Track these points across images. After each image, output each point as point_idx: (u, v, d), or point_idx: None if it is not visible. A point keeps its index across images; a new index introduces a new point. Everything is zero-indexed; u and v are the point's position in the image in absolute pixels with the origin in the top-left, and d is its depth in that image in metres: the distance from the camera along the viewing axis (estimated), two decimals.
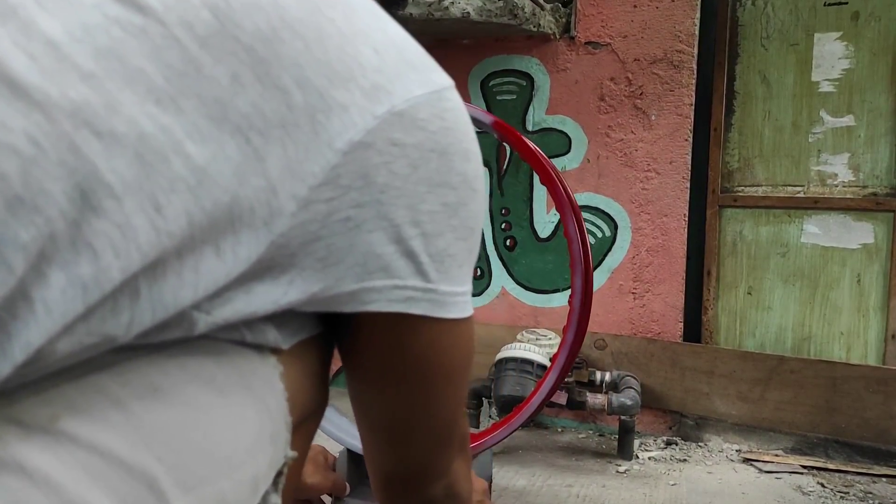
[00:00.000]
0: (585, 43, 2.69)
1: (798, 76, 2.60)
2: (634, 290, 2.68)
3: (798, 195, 2.62)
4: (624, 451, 2.41)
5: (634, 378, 2.51)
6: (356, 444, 1.99)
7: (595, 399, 2.37)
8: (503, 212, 2.84)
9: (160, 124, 0.37)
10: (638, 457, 2.43)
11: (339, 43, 0.44)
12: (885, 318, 2.53)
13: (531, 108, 2.77)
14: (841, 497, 2.11)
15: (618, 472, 2.30)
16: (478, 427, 2.55)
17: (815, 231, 2.60)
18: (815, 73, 2.58)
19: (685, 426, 2.61)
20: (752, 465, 2.37)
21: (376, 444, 0.60)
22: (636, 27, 2.62)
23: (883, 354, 2.53)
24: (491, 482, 1.96)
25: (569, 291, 1.65)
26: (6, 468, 0.33)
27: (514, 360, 2.38)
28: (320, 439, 2.65)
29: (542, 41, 2.73)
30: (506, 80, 2.80)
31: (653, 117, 2.62)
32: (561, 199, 1.66)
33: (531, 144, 1.72)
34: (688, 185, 2.61)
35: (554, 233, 2.77)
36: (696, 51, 2.58)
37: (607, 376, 2.53)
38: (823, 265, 2.60)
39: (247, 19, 0.41)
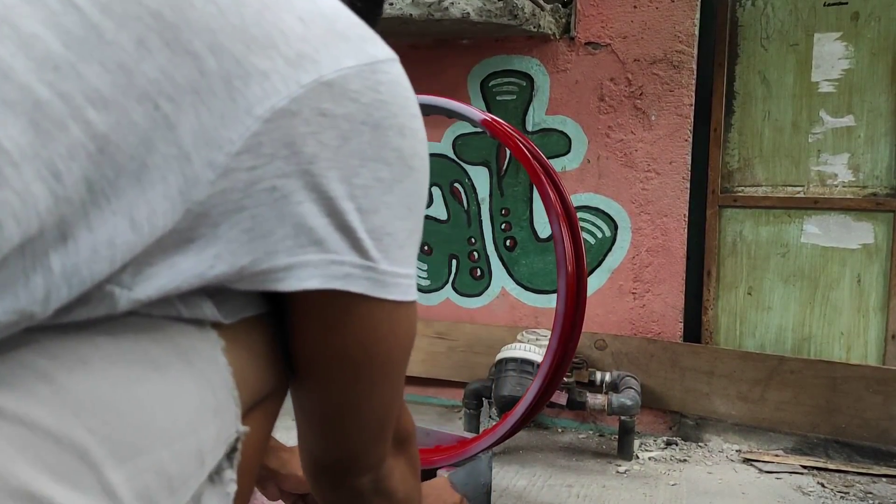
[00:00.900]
0: (585, 43, 2.69)
1: (798, 76, 2.60)
2: (634, 291, 2.68)
3: (798, 195, 2.62)
4: (624, 451, 2.41)
5: (634, 378, 2.51)
6: None
7: (595, 399, 2.37)
8: (503, 212, 2.84)
9: (58, 91, 0.36)
10: (638, 457, 2.43)
11: (258, 9, 0.43)
12: (885, 318, 2.53)
13: (531, 108, 2.77)
14: (841, 497, 2.11)
15: (618, 472, 2.30)
16: (478, 430, 2.55)
17: (815, 231, 2.60)
18: (815, 74, 2.58)
19: (685, 426, 2.61)
20: (752, 465, 2.37)
21: (308, 430, 0.59)
22: (636, 27, 2.62)
23: (883, 354, 2.53)
24: (490, 486, 1.96)
25: None
26: None
27: (514, 360, 2.38)
28: None
29: (542, 41, 2.73)
30: (506, 80, 2.80)
31: (653, 117, 2.62)
32: (547, 197, 1.66)
33: (521, 142, 1.72)
34: (688, 185, 2.61)
35: None
36: (695, 51, 2.58)
37: (607, 376, 2.53)
38: (823, 265, 2.60)
39: None
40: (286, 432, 2.70)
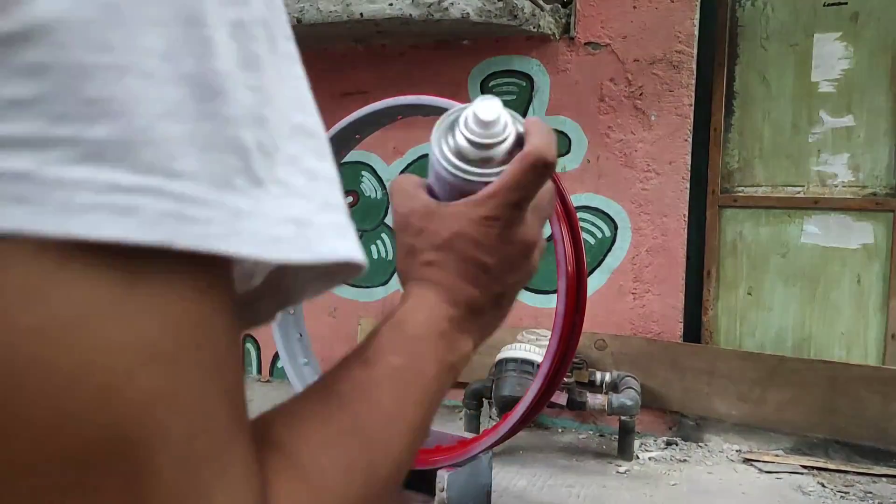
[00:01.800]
0: (585, 44, 2.69)
1: (797, 76, 2.60)
2: (634, 291, 2.68)
3: (798, 195, 2.62)
4: (624, 451, 2.41)
5: (634, 378, 2.51)
6: None
7: (595, 399, 2.38)
8: None
9: None
10: (638, 457, 2.43)
11: None
12: (885, 318, 2.53)
13: (531, 108, 2.77)
14: (841, 497, 2.11)
15: (618, 472, 2.30)
16: (478, 430, 2.55)
17: (815, 231, 2.60)
18: (815, 74, 2.58)
19: (685, 426, 2.61)
20: (752, 465, 2.37)
21: None
22: (636, 28, 2.62)
23: (883, 354, 2.53)
24: (490, 486, 1.96)
25: None
26: None
27: (515, 360, 2.38)
28: None
29: (542, 42, 2.73)
30: (506, 80, 2.80)
31: (652, 118, 2.62)
32: None
33: None
34: (687, 185, 2.61)
35: None
36: (695, 51, 2.58)
37: (607, 377, 2.53)
38: (823, 265, 2.60)
39: None
40: None
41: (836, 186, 2.58)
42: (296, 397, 0.36)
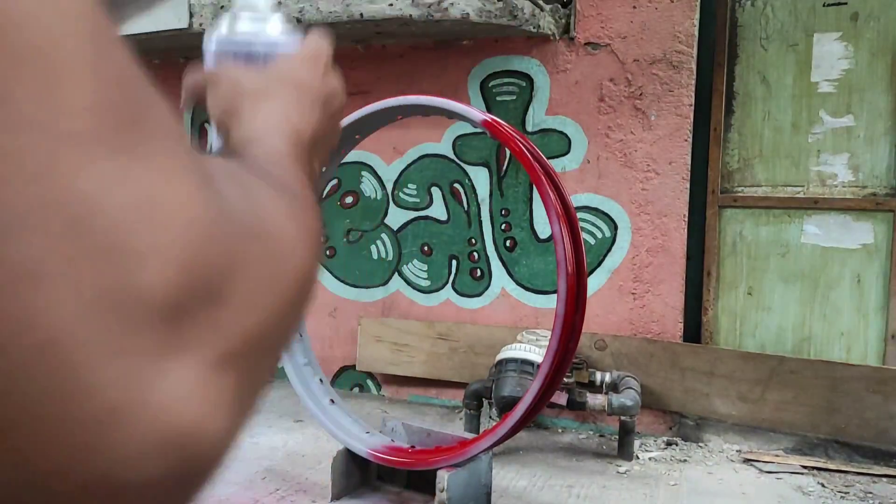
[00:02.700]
0: (585, 44, 2.69)
1: (797, 76, 2.60)
2: (634, 291, 2.68)
3: (798, 195, 2.62)
4: (624, 451, 2.41)
5: (634, 378, 2.51)
6: (356, 444, 1.99)
7: (595, 400, 2.37)
8: (503, 212, 2.84)
9: None
10: (638, 457, 2.43)
11: None
12: (885, 318, 2.53)
13: (531, 108, 2.77)
14: (841, 497, 2.11)
15: (618, 472, 2.30)
16: (478, 430, 2.55)
17: (815, 231, 2.60)
18: (815, 74, 2.58)
19: (685, 426, 2.61)
20: (752, 465, 2.37)
21: None
22: (635, 28, 2.62)
23: (883, 354, 2.53)
24: (490, 486, 1.96)
25: None
26: None
27: (515, 360, 2.38)
28: (321, 440, 2.65)
29: (542, 42, 2.73)
30: (506, 80, 2.80)
31: (652, 118, 2.62)
32: (547, 198, 1.66)
33: (521, 143, 1.72)
34: (687, 185, 2.61)
35: None
36: (695, 51, 2.58)
37: (607, 377, 2.53)
38: (823, 265, 2.60)
39: None
40: (285, 433, 2.68)
41: (836, 186, 2.58)
42: None
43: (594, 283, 2.70)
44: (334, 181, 3.11)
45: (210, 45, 0.53)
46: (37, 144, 0.19)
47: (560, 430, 2.73)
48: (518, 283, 2.83)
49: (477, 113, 1.73)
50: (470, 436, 1.92)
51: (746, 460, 2.40)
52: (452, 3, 2.45)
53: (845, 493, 2.14)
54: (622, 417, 2.37)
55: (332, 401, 2.10)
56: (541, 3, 2.63)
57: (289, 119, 0.45)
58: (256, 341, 0.25)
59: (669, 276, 2.63)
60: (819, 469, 2.32)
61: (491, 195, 2.85)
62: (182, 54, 3.30)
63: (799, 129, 2.61)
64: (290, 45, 0.52)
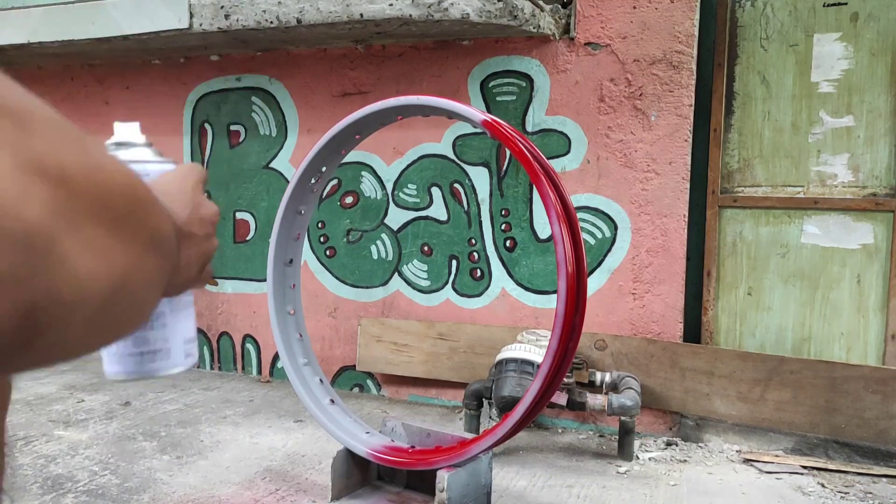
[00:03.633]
0: (585, 44, 2.69)
1: (797, 77, 2.61)
2: (634, 291, 2.68)
3: (798, 195, 2.62)
4: (624, 451, 2.41)
5: (634, 378, 2.51)
6: (356, 444, 1.99)
7: (595, 400, 2.38)
8: (503, 213, 2.84)
9: None
10: (638, 457, 2.43)
11: None
12: (884, 318, 2.53)
13: (531, 108, 2.77)
14: (841, 497, 2.11)
15: (618, 472, 2.30)
16: (478, 430, 2.55)
17: (815, 231, 2.60)
18: (815, 74, 2.58)
19: (685, 427, 2.61)
20: (752, 465, 2.37)
21: None
22: (635, 28, 2.62)
23: (883, 354, 2.54)
24: (490, 486, 1.96)
25: None
26: None
27: (515, 360, 2.38)
28: (321, 440, 2.65)
29: (542, 42, 2.73)
30: (506, 80, 2.81)
31: (652, 118, 2.62)
32: (547, 198, 1.66)
33: (521, 143, 1.72)
34: (687, 185, 2.61)
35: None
36: (695, 51, 2.58)
37: (607, 377, 2.54)
38: (823, 265, 2.60)
39: None
40: (285, 433, 2.68)
41: (836, 186, 2.58)
42: None
43: (594, 283, 2.70)
44: (334, 181, 3.11)
45: None
46: None
47: (560, 430, 2.73)
48: (518, 283, 2.83)
49: (477, 113, 1.73)
50: (470, 436, 1.92)
51: (746, 460, 2.41)
52: (452, 3, 2.45)
53: (845, 493, 2.14)
54: (622, 417, 2.37)
55: (332, 401, 2.10)
56: (541, 3, 2.63)
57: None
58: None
59: (669, 276, 2.63)
60: (819, 469, 2.32)
61: (491, 195, 2.85)
62: (182, 54, 3.30)
63: (799, 130, 2.62)
64: (158, 170, 0.64)
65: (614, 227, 2.69)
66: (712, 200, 2.71)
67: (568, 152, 2.73)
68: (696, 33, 2.58)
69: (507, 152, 2.82)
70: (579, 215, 2.70)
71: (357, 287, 3.11)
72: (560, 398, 2.36)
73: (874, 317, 2.55)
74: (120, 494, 2.04)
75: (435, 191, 2.94)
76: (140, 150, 0.66)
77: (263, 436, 2.55)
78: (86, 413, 2.77)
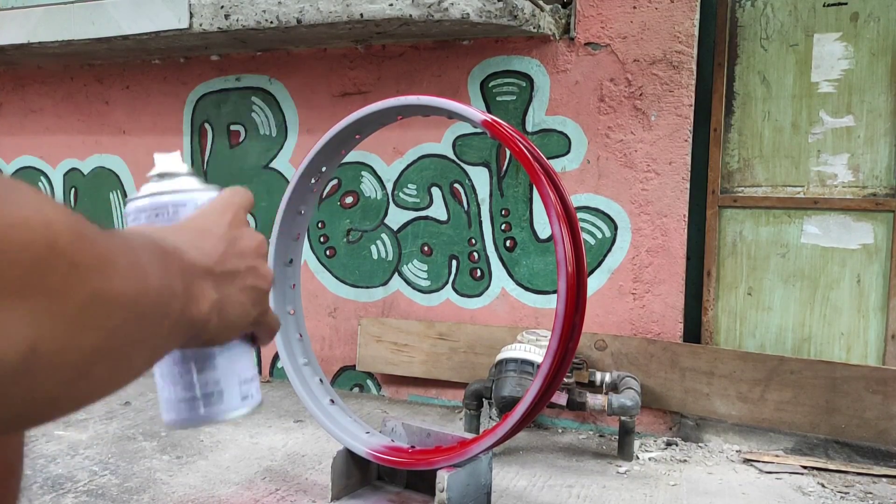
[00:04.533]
0: (585, 44, 2.69)
1: (798, 77, 2.61)
2: (634, 291, 2.68)
3: (798, 195, 2.62)
4: (624, 451, 2.41)
5: (634, 378, 2.51)
6: (356, 444, 1.99)
7: (595, 400, 2.38)
8: (503, 213, 2.84)
9: None
10: (638, 457, 2.43)
11: None
12: (884, 318, 2.53)
13: (531, 108, 2.77)
14: (841, 497, 2.11)
15: (618, 472, 2.30)
16: (478, 430, 2.55)
17: (815, 231, 2.60)
18: (815, 74, 2.58)
19: (685, 427, 2.61)
20: (752, 465, 2.37)
21: None
22: (636, 28, 2.62)
23: (883, 354, 2.54)
24: (490, 486, 1.96)
25: None
26: None
27: (515, 360, 2.38)
28: (321, 440, 2.65)
29: (542, 42, 2.73)
30: (506, 80, 2.81)
31: (652, 118, 2.62)
32: (547, 198, 1.66)
33: (521, 143, 1.72)
34: (687, 185, 2.61)
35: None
36: (695, 51, 2.58)
37: (607, 377, 2.54)
38: (823, 265, 2.60)
39: None
40: (285, 433, 2.69)
41: (836, 186, 2.58)
42: None
43: (594, 283, 2.70)
44: (334, 181, 3.11)
45: (126, 210, 0.64)
46: None
47: (560, 430, 2.73)
48: (518, 283, 2.83)
49: (477, 113, 1.73)
50: (470, 436, 1.92)
51: (746, 460, 2.41)
52: (452, 3, 2.45)
53: (845, 493, 2.14)
54: (622, 417, 2.37)
55: (332, 401, 2.10)
56: (541, 3, 2.63)
57: (177, 246, 0.49)
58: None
59: (669, 276, 2.63)
60: (819, 469, 2.32)
61: (491, 195, 2.85)
62: (182, 54, 3.30)
63: (799, 130, 2.62)
64: (199, 199, 0.62)
65: (614, 227, 2.69)
66: (712, 200, 2.71)
67: (568, 152, 2.73)
68: (696, 33, 2.58)
69: (507, 152, 2.82)
70: (579, 215, 2.70)
71: (357, 287, 3.11)
72: (560, 398, 2.36)
73: (874, 317, 2.55)
74: (120, 494, 2.04)
75: (435, 191, 2.94)
76: (183, 180, 0.63)
77: (263, 436, 2.55)
78: (86, 413, 2.77)
